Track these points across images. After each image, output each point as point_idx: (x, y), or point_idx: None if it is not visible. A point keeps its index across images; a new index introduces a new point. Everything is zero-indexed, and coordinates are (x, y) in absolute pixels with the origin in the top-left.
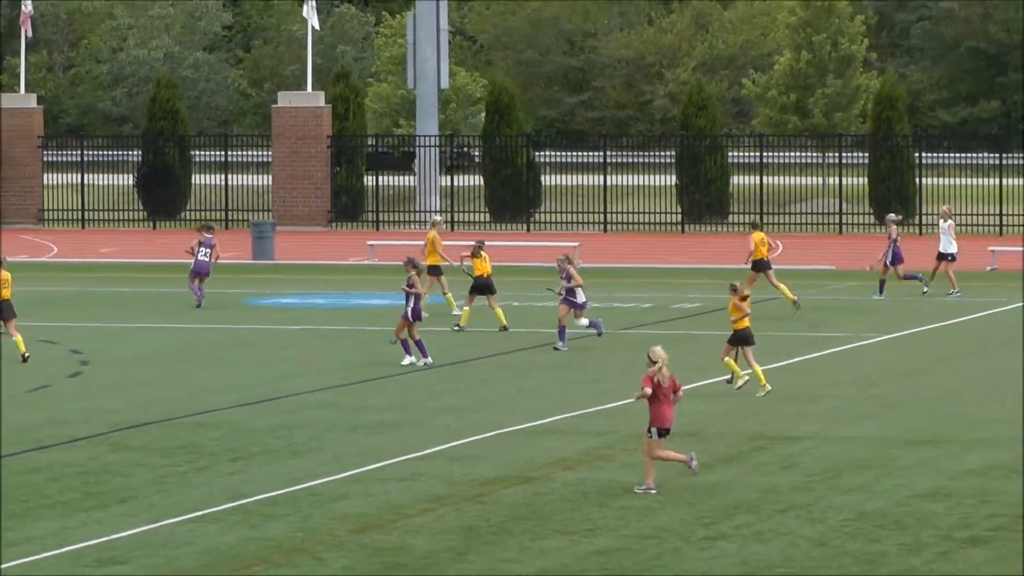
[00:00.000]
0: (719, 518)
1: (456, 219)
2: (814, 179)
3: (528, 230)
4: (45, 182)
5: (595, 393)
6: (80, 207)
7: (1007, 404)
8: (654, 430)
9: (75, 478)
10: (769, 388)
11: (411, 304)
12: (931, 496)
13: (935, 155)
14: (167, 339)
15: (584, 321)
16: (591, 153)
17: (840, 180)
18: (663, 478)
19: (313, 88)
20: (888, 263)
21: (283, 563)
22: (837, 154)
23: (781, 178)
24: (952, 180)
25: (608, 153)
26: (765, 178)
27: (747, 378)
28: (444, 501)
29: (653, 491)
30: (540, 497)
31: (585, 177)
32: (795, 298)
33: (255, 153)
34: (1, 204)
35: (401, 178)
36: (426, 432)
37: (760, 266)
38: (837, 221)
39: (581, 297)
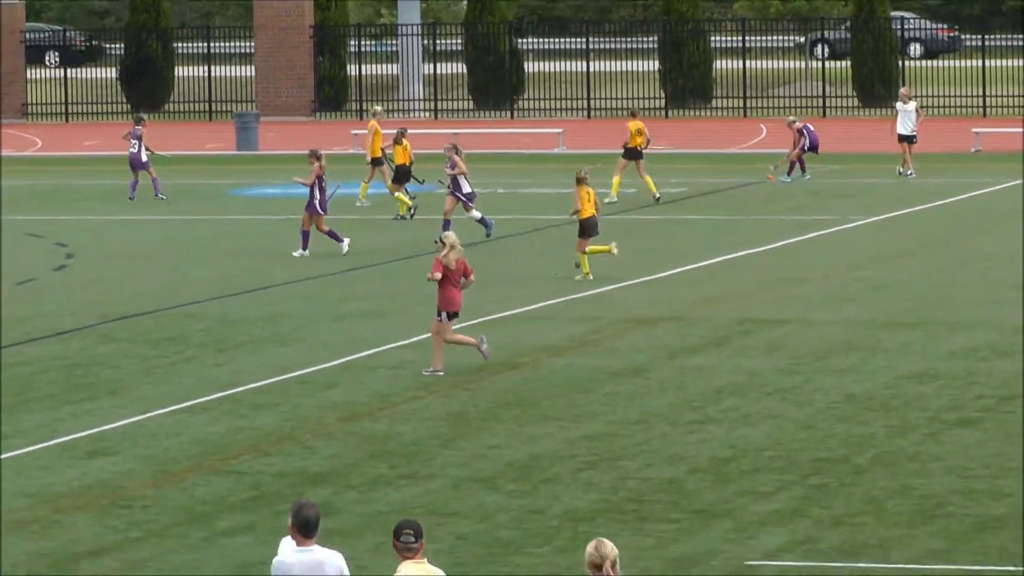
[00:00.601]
0: (706, 402)
1: (439, 107)
2: (797, 63)
3: (512, 117)
4: (28, 76)
5: (579, 280)
6: (64, 101)
7: (992, 286)
8: (444, 313)
9: (63, 371)
10: (591, 277)
11: (317, 196)
12: (918, 378)
13: (917, 32)
14: (152, 232)
15: (476, 214)
16: (573, 40)
17: (823, 63)
18: (649, 363)
19: None
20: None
21: (272, 452)
22: (820, 35)
23: (764, 62)
24: (935, 62)
25: (590, 39)
26: (748, 62)
27: (592, 277)
28: (432, 389)
29: (440, 373)
30: (527, 383)
31: (568, 64)
32: (658, 195)
33: (238, 44)
34: None
35: (384, 67)
36: (412, 320)
37: (631, 154)
38: (820, 104)
39: (467, 187)
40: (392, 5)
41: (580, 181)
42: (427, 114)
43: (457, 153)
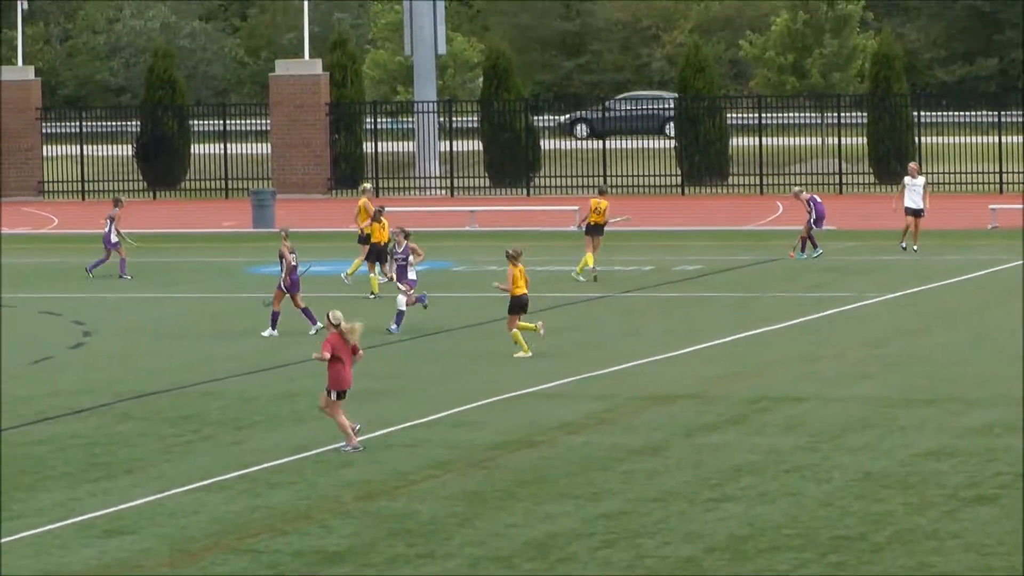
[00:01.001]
0: (724, 480)
1: (456, 184)
2: (813, 139)
3: (528, 195)
4: (44, 154)
5: (597, 357)
6: (80, 178)
7: (1008, 362)
8: (333, 392)
9: (80, 449)
10: (530, 354)
11: (285, 274)
12: (935, 455)
13: (934, 114)
14: (169, 309)
15: (402, 303)
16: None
17: (839, 140)
18: (666, 440)
19: (310, 56)
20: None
21: (289, 531)
22: (836, 114)
23: (780, 139)
24: (951, 139)
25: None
26: (764, 139)
27: (531, 354)
28: (449, 467)
29: (360, 448)
30: (545, 461)
31: (584, 140)
32: (594, 273)
33: (253, 122)
34: (0, 177)
35: (400, 144)
36: (428, 399)
37: (592, 231)
38: (837, 181)
39: (412, 274)
40: (408, 82)
41: (513, 259)
42: (443, 191)
43: (407, 237)
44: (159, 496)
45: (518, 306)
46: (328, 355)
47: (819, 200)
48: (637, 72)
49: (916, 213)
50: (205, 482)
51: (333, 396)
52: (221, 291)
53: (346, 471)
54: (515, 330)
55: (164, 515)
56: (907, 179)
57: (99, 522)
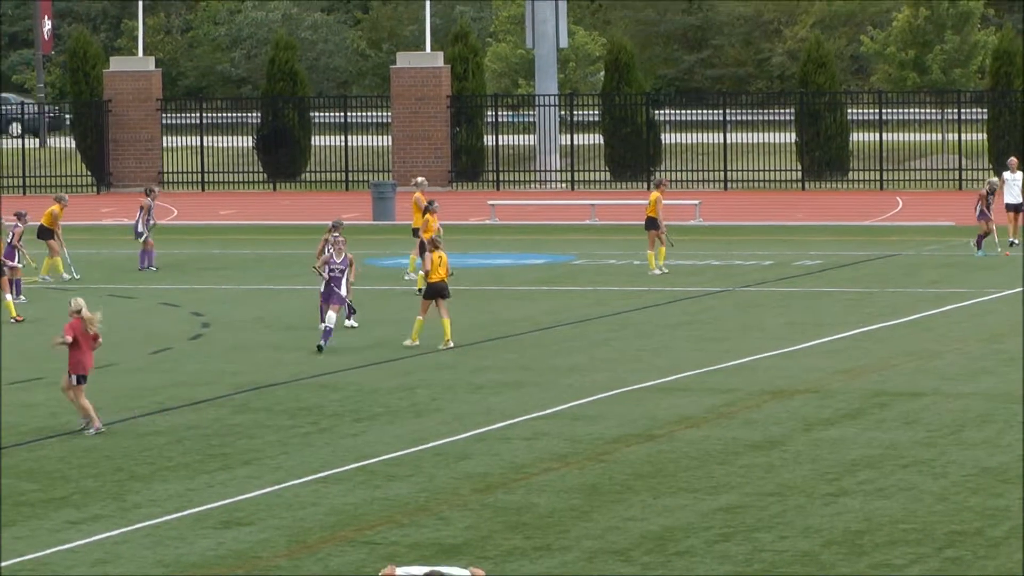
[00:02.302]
0: (842, 474)
1: (577, 178)
2: (933, 135)
3: (648, 188)
4: (164, 144)
5: (717, 351)
6: (200, 170)
7: None
8: (74, 376)
9: (199, 440)
10: (452, 344)
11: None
12: None
13: None
14: (287, 301)
15: (331, 319)
16: (711, 111)
17: (959, 136)
18: (785, 435)
19: (432, 48)
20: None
21: (407, 523)
22: (956, 110)
23: (900, 135)
24: None
25: (727, 111)
26: (885, 135)
27: (418, 342)
28: (567, 460)
29: (101, 429)
30: (663, 455)
31: (705, 135)
32: (657, 270)
33: (374, 114)
34: (120, 167)
35: (521, 137)
36: (548, 391)
37: (650, 224)
38: (957, 177)
39: (344, 289)
40: (529, 75)
41: (435, 245)
42: (564, 185)
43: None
44: (277, 488)
45: (433, 291)
46: (70, 339)
47: (991, 199)
48: (758, 67)
49: (1017, 208)
50: (323, 474)
51: (73, 380)
52: None
53: (464, 463)
54: (420, 318)
55: (282, 506)
56: (1006, 174)
57: (216, 513)
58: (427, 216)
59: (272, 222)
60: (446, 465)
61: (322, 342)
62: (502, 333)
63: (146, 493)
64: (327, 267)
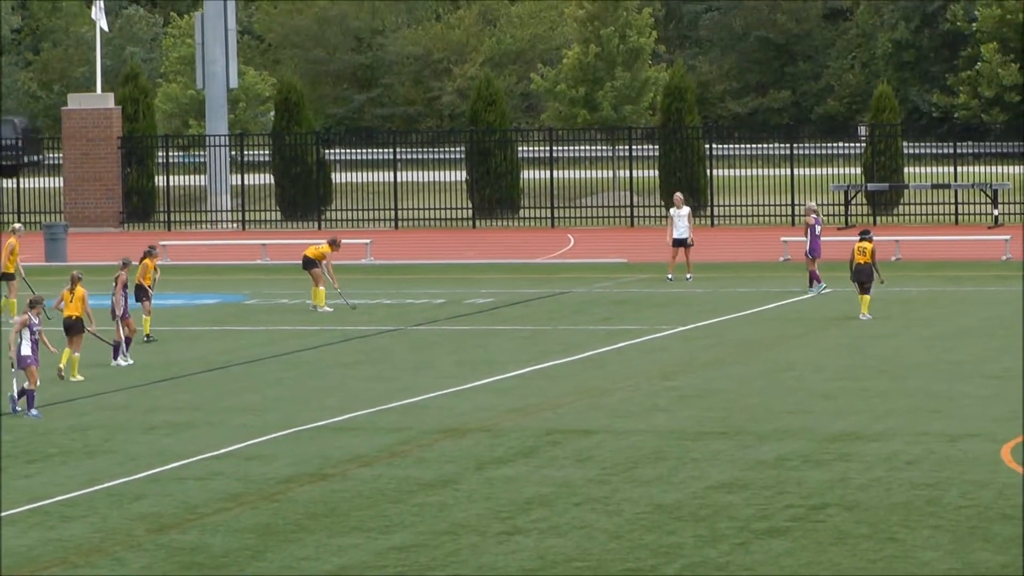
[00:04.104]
0: (515, 513)
1: (248, 218)
2: (605, 172)
3: (319, 228)
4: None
5: (389, 390)
6: None
7: (800, 395)
8: None
9: None
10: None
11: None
12: (727, 487)
13: (725, 146)
14: None
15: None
16: (381, 150)
17: (631, 173)
18: (458, 473)
19: (103, 90)
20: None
21: (82, 564)
22: (628, 147)
23: (572, 172)
24: (743, 171)
25: (398, 150)
26: (556, 172)
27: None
28: (241, 500)
29: None
30: (336, 494)
31: (375, 174)
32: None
33: (47, 155)
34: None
35: (192, 177)
36: (221, 431)
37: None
38: (628, 214)
39: (27, 348)
40: (200, 116)
41: (74, 282)
42: (235, 225)
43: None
44: None
45: (66, 327)
46: None
47: (818, 230)
48: (428, 105)
49: (682, 243)
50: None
51: None
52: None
53: (138, 504)
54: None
55: None
56: (672, 210)
57: None
58: (146, 260)
59: None
60: (120, 505)
61: (33, 412)
62: (175, 374)
63: None
64: (28, 329)
